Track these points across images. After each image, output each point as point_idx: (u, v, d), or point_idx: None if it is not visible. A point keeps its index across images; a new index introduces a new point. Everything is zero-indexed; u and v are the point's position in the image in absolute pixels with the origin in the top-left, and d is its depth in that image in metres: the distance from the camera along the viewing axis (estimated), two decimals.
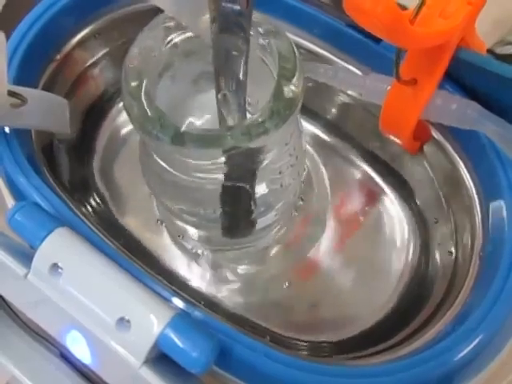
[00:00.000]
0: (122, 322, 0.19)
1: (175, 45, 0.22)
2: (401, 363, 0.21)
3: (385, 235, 0.31)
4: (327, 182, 0.33)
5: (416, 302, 0.28)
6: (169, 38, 0.22)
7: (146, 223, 0.31)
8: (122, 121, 0.34)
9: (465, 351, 0.20)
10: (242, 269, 0.31)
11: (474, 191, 0.26)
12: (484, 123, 0.23)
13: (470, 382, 0.21)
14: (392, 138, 0.30)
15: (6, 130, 0.25)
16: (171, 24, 0.22)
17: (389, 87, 0.25)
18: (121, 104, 0.34)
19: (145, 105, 0.20)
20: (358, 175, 0.33)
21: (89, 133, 0.33)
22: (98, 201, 0.32)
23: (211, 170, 0.22)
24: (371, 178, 0.33)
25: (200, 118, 0.26)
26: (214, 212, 0.25)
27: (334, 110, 0.34)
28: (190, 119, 0.26)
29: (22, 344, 0.23)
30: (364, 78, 0.27)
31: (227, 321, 0.23)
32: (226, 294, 0.30)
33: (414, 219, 0.31)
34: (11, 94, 0.23)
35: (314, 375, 0.20)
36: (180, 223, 0.28)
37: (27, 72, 0.27)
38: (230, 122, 0.21)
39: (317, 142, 0.34)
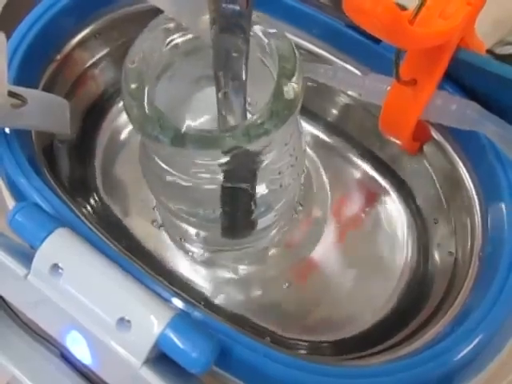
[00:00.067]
0: (123, 323, 0.19)
1: (175, 46, 0.22)
2: (401, 363, 0.21)
3: (384, 235, 0.31)
4: (327, 183, 0.33)
5: (416, 302, 0.28)
6: (169, 39, 0.22)
7: (146, 224, 0.31)
8: (122, 121, 0.34)
9: (464, 351, 0.20)
10: (241, 269, 0.31)
11: (474, 192, 0.26)
12: (484, 124, 0.23)
13: (469, 383, 0.21)
14: (392, 138, 0.30)
15: (7, 130, 0.25)
16: (171, 25, 0.22)
17: (388, 87, 0.25)
18: (121, 104, 0.33)
19: (145, 106, 0.20)
20: (357, 175, 0.33)
21: (89, 133, 0.33)
22: (98, 201, 0.32)
23: (211, 171, 0.22)
24: (371, 179, 0.33)
25: (200, 118, 0.26)
26: (213, 212, 0.25)
27: (333, 111, 0.34)
28: (190, 120, 0.26)
29: (23, 344, 0.23)
30: (363, 78, 0.27)
31: (227, 321, 0.23)
32: (226, 294, 0.30)
33: (413, 219, 0.31)
34: (11, 94, 0.23)
35: (313, 375, 0.20)
36: (180, 223, 0.28)
37: (27, 72, 0.27)
38: (230, 122, 0.21)
39: (317, 142, 0.34)
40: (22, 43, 0.27)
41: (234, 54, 0.19)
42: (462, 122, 0.24)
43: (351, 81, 0.27)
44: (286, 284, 0.30)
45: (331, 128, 0.34)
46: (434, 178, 0.30)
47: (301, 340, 0.28)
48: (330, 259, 0.30)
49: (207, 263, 0.31)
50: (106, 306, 0.19)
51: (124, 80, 0.21)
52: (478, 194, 0.26)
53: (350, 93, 0.31)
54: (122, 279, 0.20)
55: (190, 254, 0.31)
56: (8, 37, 0.27)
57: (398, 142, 0.30)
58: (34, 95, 0.25)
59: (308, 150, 0.33)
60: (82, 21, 0.31)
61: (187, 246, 0.31)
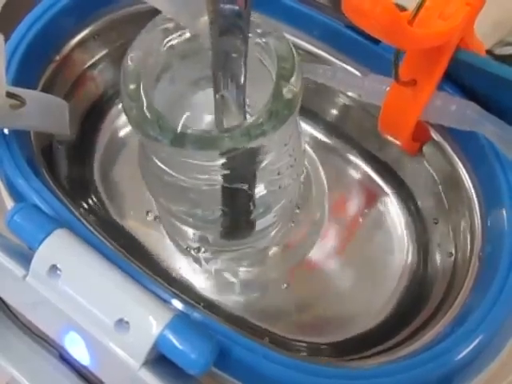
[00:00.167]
0: (121, 324, 0.19)
1: (173, 46, 0.22)
2: (400, 364, 0.21)
3: (384, 236, 0.31)
4: (326, 183, 0.33)
5: (415, 302, 0.28)
6: (167, 40, 0.22)
7: (146, 224, 0.31)
8: (121, 122, 0.34)
9: (464, 352, 0.20)
10: (241, 270, 0.31)
11: (474, 192, 0.26)
12: (483, 124, 0.23)
13: (469, 383, 0.21)
14: (391, 139, 0.30)
15: (5, 131, 0.25)
16: (169, 25, 0.22)
17: (388, 88, 0.25)
18: (120, 105, 0.33)
19: (143, 107, 0.20)
20: (357, 176, 0.33)
21: (88, 134, 0.33)
22: (98, 202, 0.32)
23: (210, 172, 0.22)
24: (370, 179, 0.33)
25: (199, 119, 0.26)
26: (212, 213, 0.25)
27: (333, 111, 0.34)
28: (189, 121, 0.26)
29: (22, 345, 0.23)
30: (363, 78, 0.27)
31: (226, 322, 0.23)
32: (225, 295, 0.30)
33: (413, 220, 0.31)
34: (10, 95, 0.23)
35: (312, 377, 0.20)
36: (179, 224, 0.28)
37: (26, 73, 0.27)
38: (229, 123, 0.21)
39: (316, 142, 0.34)
40: (21, 44, 0.27)
41: (233, 55, 0.19)
42: (461, 123, 0.24)
43: (350, 81, 0.27)
44: (285, 285, 0.30)
45: (330, 128, 0.34)
46: (434, 178, 0.30)
47: (300, 341, 0.28)
48: (330, 260, 0.30)
49: (206, 264, 0.31)
50: (104, 307, 0.19)
51: (123, 81, 0.21)
52: (477, 195, 0.26)
53: (349, 93, 0.31)
54: (120, 280, 0.20)
55: (189, 254, 0.31)
56: (7, 37, 0.27)
57: (397, 142, 0.30)
58: (33, 96, 0.25)
59: (307, 150, 0.33)
60: (81, 21, 0.31)
61: (186, 246, 0.31)
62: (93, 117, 0.33)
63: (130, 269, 0.21)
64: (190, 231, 0.29)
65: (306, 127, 0.34)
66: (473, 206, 0.26)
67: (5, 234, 0.22)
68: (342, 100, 0.33)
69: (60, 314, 0.20)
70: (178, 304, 0.21)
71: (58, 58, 0.30)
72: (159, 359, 0.19)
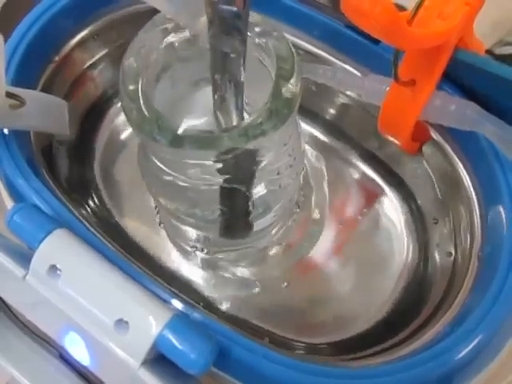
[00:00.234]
0: (121, 324, 0.19)
1: (173, 46, 0.22)
2: (400, 364, 0.21)
3: (384, 236, 0.31)
4: (326, 183, 0.33)
5: (415, 302, 0.28)
6: (166, 40, 0.22)
7: (145, 224, 0.31)
8: (121, 122, 0.34)
9: (464, 352, 0.20)
10: (240, 270, 0.31)
11: (473, 192, 0.26)
12: (483, 124, 0.23)
13: (469, 383, 0.21)
14: (391, 138, 0.30)
15: (5, 131, 0.25)
16: (169, 25, 0.22)
17: (387, 88, 0.25)
18: (120, 105, 0.33)
19: (143, 107, 0.20)
20: (356, 176, 0.33)
21: (88, 134, 0.33)
22: (97, 202, 0.32)
23: (209, 172, 0.22)
24: (370, 179, 0.33)
25: (198, 119, 0.26)
26: (212, 213, 0.25)
27: (332, 111, 0.34)
28: (188, 120, 0.26)
29: (22, 345, 0.23)
30: (363, 78, 0.27)
31: (226, 322, 0.23)
32: (225, 294, 0.30)
33: (412, 220, 0.31)
34: (10, 95, 0.23)
35: (312, 376, 0.20)
36: (179, 224, 0.28)
37: (26, 73, 0.27)
38: (228, 123, 0.21)
39: (316, 142, 0.34)
40: (20, 44, 0.27)
41: (232, 55, 0.19)
42: (461, 123, 0.24)
43: (350, 81, 0.27)
44: (285, 284, 0.30)
45: (330, 128, 0.34)
46: (433, 178, 0.30)
47: (300, 341, 0.28)
48: (329, 259, 0.30)
49: (206, 264, 0.31)
50: (104, 307, 0.19)
51: (122, 81, 0.21)
52: (477, 194, 0.26)
53: (348, 93, 0.31)
54: (120, 280, 0.20)
55: (189, 254, 0.31)
56: (6, 37, 0.27)
57: (397, 142, 0.30)
58: (33, 96, 0.25)
59: (307, 150, 0.33)
60: (80, 21, 0.31)
61: (186, 246, 0.31)
62: (92, 117, 0.33)
63: (129, 269, 0.21)
64: (190, 231, 0.29)
65: (306, 127, 0.34)
66: (472, 205, 0.26)
67: (5, 233, 0.22)
68: (341, 100, 0.32)
69: (60, 314, 0.20)
70: (177, 304, 0.21)
71: (57, 58, 0.30)
72: (159, 359, 0.19)
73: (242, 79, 0.20)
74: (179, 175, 0.22)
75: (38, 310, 0.21)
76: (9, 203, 0.25)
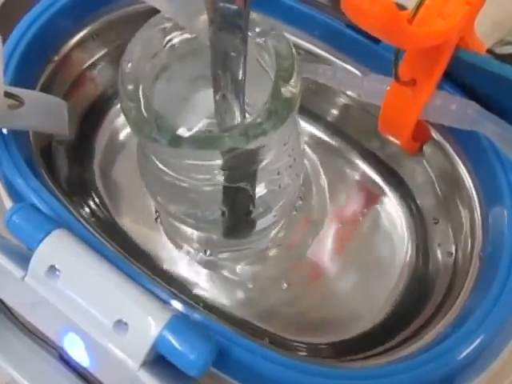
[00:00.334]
0: (120, 325, 0.19)
1: (172, 46, 0.22)
2: (401, 365, 0.21)
3: (384, 236, 0.31)
4: (326, 183, 0.33)
5: (416, 303, 0.28)
6: (166, 39, 0.22)
7: (144, 224, 0.31)
8: (120, 122, 0.34)
9: (466, 352, 0.20)
10: (240, 270, 0.30)
11: (474, 192, 0.26)
12: (483, 123, 0.23)
13: (471, 383, 0.21)
14: (391, 138, 0.30)
15: (4, 131, 0.25)
16: (168, 25, 0.22)
17: (388, 88, 0.25)
18: (119, 105, 0.33)
19: (142, 107, 0.20)
20: (357, 176, 0.33)
21: (87, 134, 0.33)
22: (97, 202, 0.32)
23: (209, 172, 0.22)
24: (370, 179, 0.33)
25: (198, 119, 0.26)
26: (212, 213, 0.25)
27: (332, 111, 0.33)
28: (188, 120, 0.26)
29: (21, 346, 0.23)
30: (363, 78, 0.26)
31: (225, 322, 0.23)
32: (225, 295, 0.30)
33: (413, 220, 0.31)
34: (8, 95, 0.23)
35: (312, 377, 0.20)
36: (178, 225, 0.28)
37: (25, 73, 0.27)
38: (228, 123, 0.21)
39: (316, 142, 0.34)
40: (19, 44, 0.27)
41: (232, 54, 0.19)
42: (461, 122, 0.24)
43: (350, 81, 0.27)
44: (285, 285, 0.30)
45: (330, 128, 0.34)
46: (434, 177, 0.30)
47: (300, 341, 0.28)
48: (330, 260, 0.30)
49: (206, 264, 0.31)
50: (103, 307, 0.19)
51: (121, 81, 0.20)
52: (478, 194, 0.26)
53: (349, 93, 0.31)
54: (119, 281, 0.20)
55: (189, 254, 0.31)
56: (5, 37, 0.27)
57: (397, 142, 0.30)
58: (32, 96, 0.25)
59: (307, 150, 0.33)
60: (80, 21, 0.30)
61: (186, 246, 0.31)
62: (92, 117, 0.33)
63: (128, 269, 0.21)
64: (190, 231, 0.29)
65: (306, 127, 0.34)
66: (473, 205, 0.26)
67: (3, 234, 0.22)
68: (341, 100, 0.32)
69: (59, 315, 0.19)
70: (177, 304, 0.21)
71: (56, 57, 0.30)
72: (158, 360, 0.19)
73: (243, 78, 0.20)
74: (179, 175, 0.22)
75: (37, 311, 0.20)
76: (8, 203, 0.25)
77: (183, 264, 0.30)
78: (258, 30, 0.21)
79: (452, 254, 0.28)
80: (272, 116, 0.19)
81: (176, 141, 0.19)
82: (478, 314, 0.21)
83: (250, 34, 0.20)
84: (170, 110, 0.23)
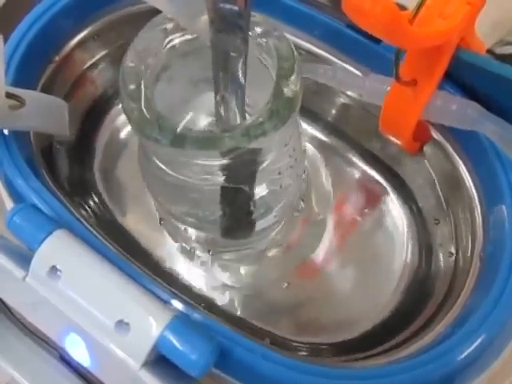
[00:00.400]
0: (121, 325, 0.19)
1: (173, 46, 0.22)
2: (402, 365, 0.21)
3: (385, 236, 0.31)
4: (327, 183, 0.33)
5: (417, 303, 0.28)
6: (167, 40, 0.22)
7: (146, 225, 0.31)
8: (121, 122, 0.34)
9: (466, 352, 0.20)
10: (241, 270, 0.30)
11: (475, 192, 0.26)
12: (484, 123, 0.23)
13: (471, 383, 0.21)
14: (392, 138, 0.30)
15: (5, 132, 0.25)
16: (169, 25, 0.22)
17: (388, 88, 0.25)
18: (120, 105, 0.33)
19: (143, 107, 0.20)
20: (358, 176, 0.33)
21: (88, 134, 0.33)
22: (98, 202, 0.32)
23: (210, 172, 0.22)
24: (371, 179, 0.33)
25: (199, 119, 0.26)
26: (213, 213, 0.25)
27: (333, 111, 0.34)
28: (189, 121, 0.26)
29: (22, 346, 0.23)
30: (363, 78, 0.27)
31: (227, 322, 0.23)
32: (226, 295, 0.30)
33: (414, 220, 0.31)
34: (9, 95, 0.23)
35: (312, 377, 0.20)
36: (179, 225, 0.28)
37: (26, 73, 0.27)
38: (229, 123, 0.21)
39: (317, 142, 0.34)
40: (20, 44, 0.27)
41: (233, 55, 0.19)
42: (462, 122, 0.24)
43: (351, 81, 0.27)
44: (286, 285, 0.30)
45: (331, 128, 0.34)
46: (435, 178, 0.30)
47: (301, 341, 0.28)
48: (331, 260, 0.30)
49: (207, 264, 0.31)
50: (104, 308, 0.19)
51: (122, 81, 0.20)
52: (478, 194, 0.26)
53: (349, 93, 0.31)
54: (120, 281, 0.20)
55: (190, 255, 0.31)
56: (6, 37, 0.27)
57: (398, 142, 0.30)
58: (33, 96, 0.25)
59: (308, 150, 0.33)
60: (80, 22, 0.30)
61: (187, 247, 0.31)
62: (92, 117, 0.33)
63: (130, 269, 0.21)
64: (191, 231, 0.29)
65: (307, 127, 0.34)
66: (474, 205, 0.26)
67: (5, 234, 0.22)
68: (342, 100, 0.32)
69: (60, 315, 0.19)
70: (178, 305, 0.21)
71: (57, 58, 0.30)
72: (159, 360, 0.19)
73: (244, 79, 0.20)
74: (180, 176, 0.22)
75: (38, 311, 0.20)
76: (9, 204, 0.25)
77: (184, 264, 0.30)
78: (259, 30, 0.21)
79: (453, 254, 0.28)
80: (273, 116, 0.19)
81: (177, 141, 0.19)
82: (479, 314, 0.21)
83: (250, 34, 0.20)
84: (171, 110, 0.23)
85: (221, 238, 0.28)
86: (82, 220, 0.24)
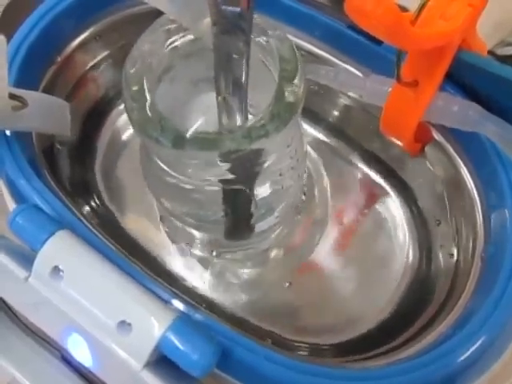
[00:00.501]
0: (123, 325, 0.19)
1: (176, 47, 0.22)
2: (402, 366, 0.21)
3: (386, 237, 0.31)
4: (328, 184, 0.33)
5: (418, 304, 0.28)
6: (169, 41, 0.22)
7: (148, 225, 0.31)
8: (122, 123, 0.34)
9: (467, 354, 0.20)
10: (243, 271, 0.31)
11: (476, 193, 0.26)
12: (485, 125, 0.23)
13: None
14: (393, 139, 0.30)
15: (7, 132, 0.25)
16: (172, 26, 0.22)
17: (390, 89, 0.25)
18: (121, 106, 0.33)
19: (146, 108, 0.20)
20: (359, 177, 0.33)
21: (90, 135, 0.33)
22: (100, 203, 0.32)
23: (212, 173, 0.22)
24: (372, 180, 0.33)
25: (201, 120, 0.26)
26: (214, 214, 0.25)
27: (335, 112, 0.34)
28: (191, 122, 0.26)
29: (24, 346, 0.23)
30: (365, 79, 0.27)
31: (228, 323, 0.23)
32: (227, 296, 0.30)
33: (415, 221, 0.31)
34: (12, 96, 0.23)
35: (314, 377, 0.20)
36: (181, 225, 0.28)
37: (28, 74, 0.27)
38: (231, 124, 0.21)
39: (318, 143, 0.34)
40: (22, 45, 0.27)
41: (235, 56, 0.19)
42: (463, 123, 0.24)
43: (352, 82, 0.27)
44: (287, 285, 0.30)
45: (332, 129, 0.34)
46: (436, 179, 0.30)
47: (302, 342, 0.28)
48: (332, 261, 0.30)
49: (208, 264, 0.31)
50: (106, 308, 0.19)
51: (125, 82, 0.21)
52: (479, 195, 0.26)
53: (351, 94, 0.31)
54: (122, 281, 0.20)
55: (192, 255, 0.31)
56: (9, 38, 0.27)
57: (399, 143, 0.30)
58: (35, 97, 0.25)
59: (309, 151, 0.33)
60: (82, 23, 0.30)
61: (188, 247, 0.31)
62: (94, 118, 0.33)
63: (132, 270, 0.21)
64: (192, 232, 0.29)
65: (308, 128, 0.34)
66: (475, 206, 0.26)
67: (7, 235, 0.22)
68: (343, 101, 0.32)
69: (62, 316, 0.20)
70: (179, 305, 0.21)
71: (59, 59, 0.30)
72: (161, 360, 0.19)
73: (246, 80, 0.20)
74: (182, 176, 0.22)
75: (40, 312, 0.20)
76: (11, 204, 0.25)
77: (186, 265, 0.30)
78: (261, 31, 0.21)
79: (454, 255, 0.28)
80: (275, 118, 0.19)
81: (179, 142, 0.19)
82: (480, 315, 0.21)
83: (253, 35, 0.20)
84: (173, 111, 0.23)
85: (222, 239, 0.28)
86: (84, 220, 0.24)
